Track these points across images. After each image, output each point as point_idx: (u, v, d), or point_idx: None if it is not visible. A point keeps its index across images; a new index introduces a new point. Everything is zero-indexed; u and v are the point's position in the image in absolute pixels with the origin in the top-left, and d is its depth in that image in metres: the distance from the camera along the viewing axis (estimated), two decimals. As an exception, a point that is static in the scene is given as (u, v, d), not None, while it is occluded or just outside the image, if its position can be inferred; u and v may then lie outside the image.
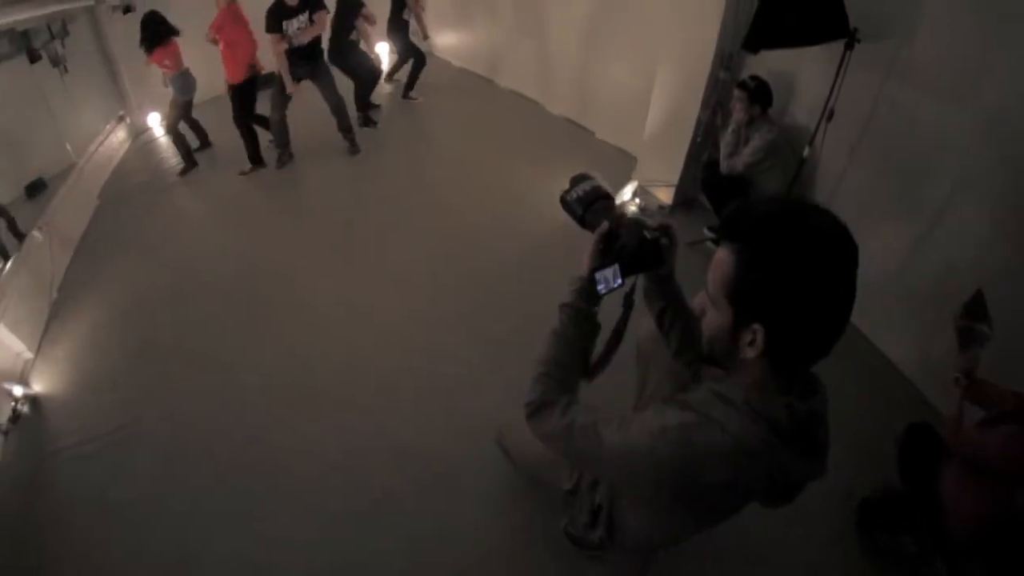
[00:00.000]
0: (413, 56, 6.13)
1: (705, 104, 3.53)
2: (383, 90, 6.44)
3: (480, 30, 6.70)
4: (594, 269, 1.23)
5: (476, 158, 5.09)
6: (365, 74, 5.51)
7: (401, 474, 2.40)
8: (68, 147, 4.83)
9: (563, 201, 1.37)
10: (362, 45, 5.40)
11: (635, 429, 1.05)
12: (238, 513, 2.32)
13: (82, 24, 5.46)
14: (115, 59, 5.77)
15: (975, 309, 1.83)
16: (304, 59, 4.63)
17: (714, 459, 0.97)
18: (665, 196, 4.03)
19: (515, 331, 2.85)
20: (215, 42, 4.58)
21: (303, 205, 4.68)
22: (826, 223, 0.91)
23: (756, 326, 0.93)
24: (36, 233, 3.76)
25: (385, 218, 4.26)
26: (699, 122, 3.60)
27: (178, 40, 4.78)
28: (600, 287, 1.23)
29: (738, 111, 3.22)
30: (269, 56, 4.69)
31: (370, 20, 5.36)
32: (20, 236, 3.77)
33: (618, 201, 4.05)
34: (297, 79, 4.68)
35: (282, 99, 4.78)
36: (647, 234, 1.24)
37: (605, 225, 1.24)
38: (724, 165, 3.36)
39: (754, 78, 3.16)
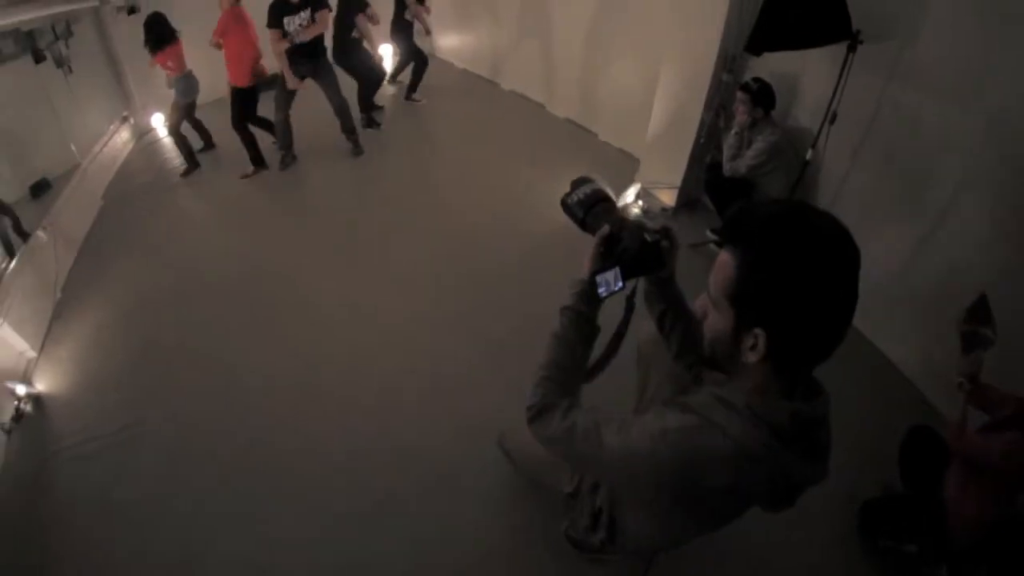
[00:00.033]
0: (416, 58, 6.13)
1: (708, 106, 3.53)
2: (386, 92, 6.45)
3: (483, 32, 6.70)
4: (595, 272, 1.22)
5: (479, 159, 5.09)
6: (368, 74, 5.51)
7: (403, 475, 2.40)
8: (72, 147, 4.85)
9: (564, 204, 1.37)
10: (365, 44, 5.39)
11: (636, 432, 1.05)
12: (241, 514, 2.33)
13: (86, 25, 5.47)
14: (119, 60, 5.78)
15: (978, 313, 1.82)
16: (306, 57, 4.61)
17: (715, 463, 0.97)
18: (668, 198, 4.03)
19: (516, 331, 2.86)
20: (219, 46, 4.57)
21: (306, 206, 4.68)
22: (828, 226, 0.90)
23: (758, 330, 0.93)
24: (40, 233, 3.77)
25: (388, 219, 4.26)
26: (702, 124, 3.60)
27: (182, 41, 4.79)
28: (601, 290, 1.22)
29: (741, 113, 3.22)
30: (272, 58, 4.71)
31: (374, 20, 5.34)
32: (24, 235, 3.79)
33: (621, 203, 4.07)
34: (300, 76, 4.67)
35: (286, 99, 4.78)
36: (648, 237, 1.24)
37: (606, 228, 1.24)
38: (727, 167, 3.36)
39: (757, 80, 3.15)
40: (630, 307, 1.35)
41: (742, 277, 0.94)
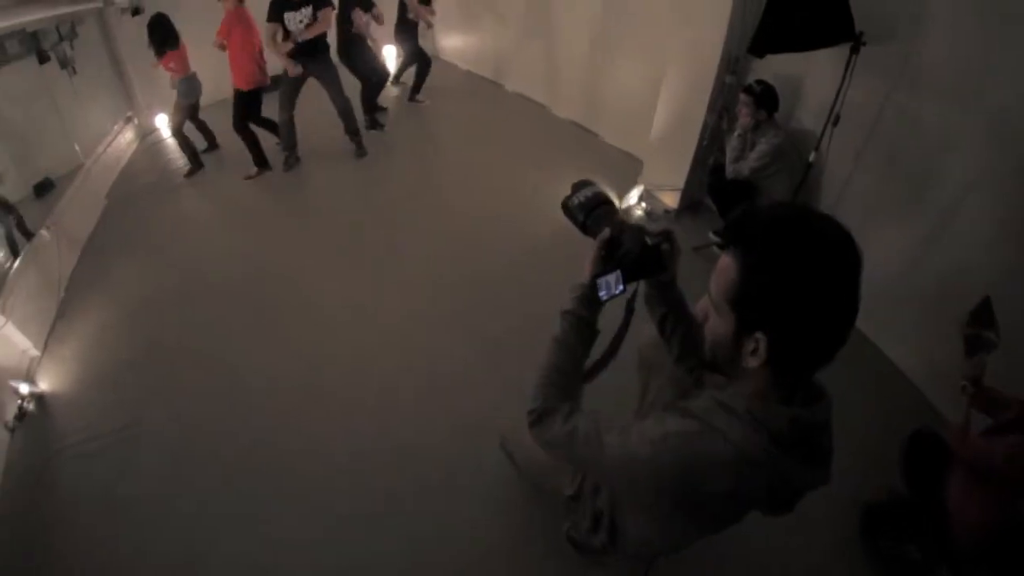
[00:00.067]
0: (419, 59, 6.14)
1: (711, 108, 3.53)
2: (390, 93, 6.46)
3: (487, 33, 6.71)
4: (596, 276, 1.22)
5: (482, 161, 5.10)
6: (371, 75, 5.51)
7: (403, 475, 2.41)
8: (76, 147, 4.86)
9: (565, 207, 1.37)
10: (369, 42, 5.38)
11: (636, 437, 1.05)
12: (244, 514, 2.33)
13: (91, 26, 5.49)
14: (123, 60, 5.81)
15: (982, 316, 1.82)
16: (308, 55, 4.59)
17: (715, 468, 0.97)
18: (671, 200, 4.03)
19: (516, 332, 2.87)
20: (223, 47, 4.58)
21: (310, 207, 4.69)
22: (830, 230, 0.90)
23: (759, 335, 0.93)
24: (44, 232, 3.79)
25: (391, 220, 4.27)
26: (705, 126, 3.60)
27: (186, 43, 4.80)
28: (602, 294, 1.22)
29: (744, 115, 3.21)
30: (273, 62, 4.73)
31: (379, 20, 5.34)
32: (28, 234, 3.80)
33: (624, 205, 4.08)
34: (302, 75, 4.69)
35: (290, 99, 4.79)
36: (649, 240, 1.24)
37: (607, 231, 1.24)
38: (730, 169, 3.36)
39: (760, 82, 3.15)
40: (630, 310, 1.35)
41: (743, 281, 0.94)
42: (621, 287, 1.22)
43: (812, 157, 2.99)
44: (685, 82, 3.67)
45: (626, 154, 4.89)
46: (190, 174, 5.19)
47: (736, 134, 3.32)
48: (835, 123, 2.82)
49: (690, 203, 4.04)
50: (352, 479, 2.42)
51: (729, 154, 3.36)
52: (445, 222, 4.20)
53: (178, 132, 5.13)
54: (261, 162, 5.05)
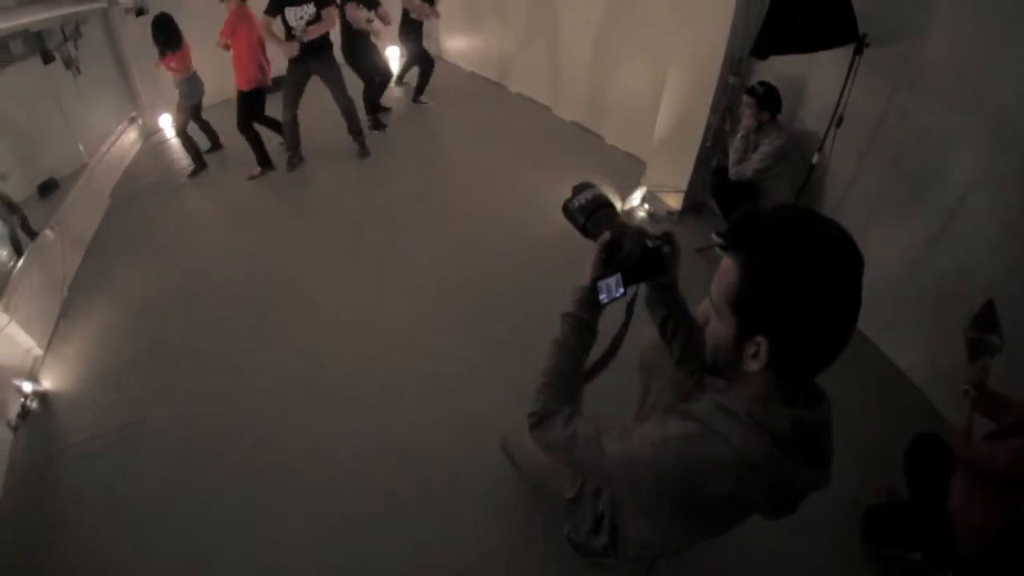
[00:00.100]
0: (422, 60, 6.14)
1: (714, 109, 3.53)
2: (393, 94, 6.46)
3: (490, 35, 6.71)
4: (596, 278, 1.22)
5: (485, 162, 5.10)
6: (373, 74, 5.51)
7: (406, 475, 2.41)
8: (80, 147, 4.86)
9: (565, 209, 1.37)
10: (373, 39, 5.36)
11: (637, 440, 1.05)
12: (248, 514, 2.33)
13: (95, 26, 5.49)
14: (127, 61, 5.81)
15: (985, 319, 1.81)
16: (311, 54, 4.58)
17: (717, 471, 0.97)
18: (674, 201, 4.03)
19: (518, 332, 2.88)
20: (227, 47, 4.59)
21: (313, 207, 4.69)
22: (831, 233, 0.90)
23: (760, 338, 0.92)
24: (48, 232, 3.80)
25: (394, 221, 4.27)
26: (708, 127, 3.60)
27: (189, 43, 4.81)
28: (602, 296, 1.22)
29: (747, 117, 3.21)
30: (277, 61, 4.73)
31: (385, 20, 5.34)
32: (32, 234, 3.81)
33: (627, 206, 4.08)
34: (304, 73, 4.69)
35: (293, 98, 4.79)
36: (649, 243, 1.24)
37: (607, 234, 1.24)
38: (733, 171, 3.35)
39: (763, 84, 3.15)
40: (629, 312, 1.35)
41: (744, 284, 0.93)
42: (622, 290, 1.22)
43: (815, 159, 2.99)
44: (688, 83, 3.67)
45: (629, 155, 4.89)
46: (194, 174, 5.19)
47: (739, 135, 3.32)
48: (838, 124, 2.82)
49: (693, 204, 4.04)
50: (354, 479, 2.42)
51: (732, 156, 3.36)
52: (448, 223, 4.20)
53: (182, 132, 5.13)
54: (264, 162, 5.05)
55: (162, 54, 4.67)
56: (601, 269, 1.24)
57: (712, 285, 1.01)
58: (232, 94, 4.81)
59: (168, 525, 2.32)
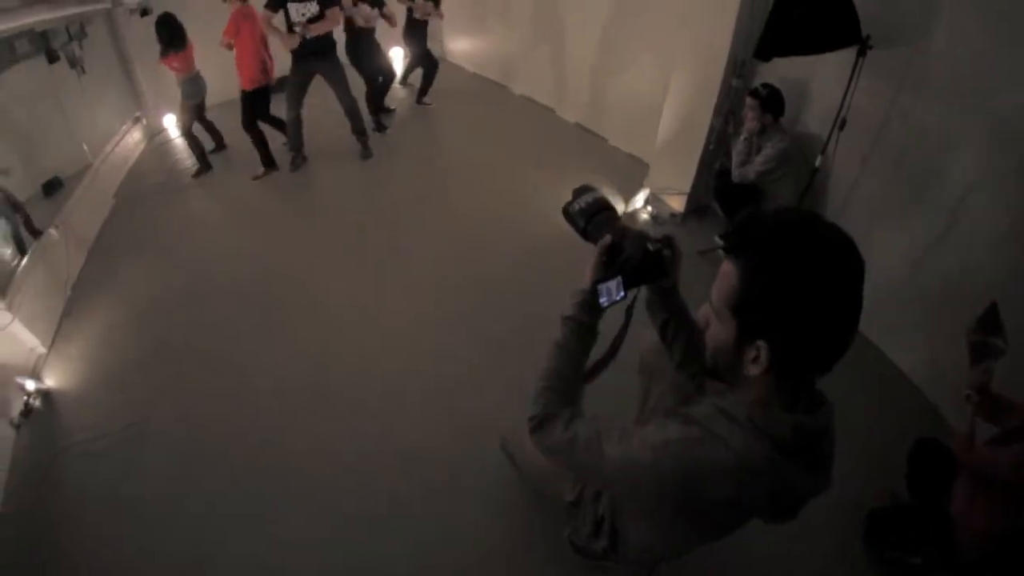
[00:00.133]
0: (426, 62, 6.14)
1: (717, 112, 3.53)
2: (397, 94, 6.48)
3: (494, 36, 6.73)
4: (596, 281, 1.22)
5: (488, 163, 5.11)
6: (376, 74, 5.52)
7: (407, 476, 2.41)
8: (84, 147, 4.88)
9: (566, 213, 1.37)
10: (376, 37, 5.37)
11: (637, 443, 1.05)
12: (251, 514, 2.33)
13: (99, 26, 5.52)
14: (131, 60, 5.84)
15: (988, 322, 1.80)
16: (314, 53, 4.58)
17: (717, 475, 0.96)
18: (677, 204, 4.02)
19: (519, 333, 2.87)
20: (230, 47, 4.60)
21: (316, 208, 4.70)
22: (832, 237, 0.89)
23: (760, 342, 0.92)
24: (52, 231, 3.81)
25: (397, 222, 4.28)
26: (711, 130, 3.60)
27: (192, 43, 4.83)
28: (602, 300, 1.22)
29: (750, 119, 3.21)
30: (281, 61, 4.73)
31: (391, 21, 5.35)
32: (36, 233, 3.82)
33: (630, 208, 4.07)
34: (307, 73, 4.70)
35: (297, 97, 4.80)
36: (650, 246, 1.24)
37: (608, 237, 1.24)
38: (736, 173, 3.35)
39: (766, 86, 3.15)
40: (628, 315, 1.35)
41: (745, 288, 0.93)
42: (622, 293, 1.22)
43: (818, 161, 2.99)
44: (691, 85, 3.67)
45: (632, 157, 4.89)
46: (198, 174, 5.20)
47: (742, 138, 3.32)
48: (841, 127, 2.82)
49: (696, 207, 4.03)
50: (357, 480, 2.42)
51: (735, 158, 3.36)
52: (450, 223, 4.21)
53: (187, 132, 5.14)
54: (268, 162, 5.07)
55: (164, 53, 4.68)
56: (601, 272, 1.24)
57: (712, 288, 1.01)
58: (236, 94, 4.81)
59: (171, 525, 2.32)
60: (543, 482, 1.91)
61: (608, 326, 1.32)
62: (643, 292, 1.41)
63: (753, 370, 0.95)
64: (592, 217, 1.32)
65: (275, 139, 5.09)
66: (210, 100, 5.23)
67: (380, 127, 5.69)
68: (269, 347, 3.17)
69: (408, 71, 6.66)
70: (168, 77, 5.06)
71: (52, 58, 4.60)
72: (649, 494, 1.05)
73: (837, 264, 0.88)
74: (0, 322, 2.91)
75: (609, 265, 1.24)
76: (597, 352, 1.35)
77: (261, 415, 2.77)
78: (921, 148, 2.63)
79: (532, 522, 2.16)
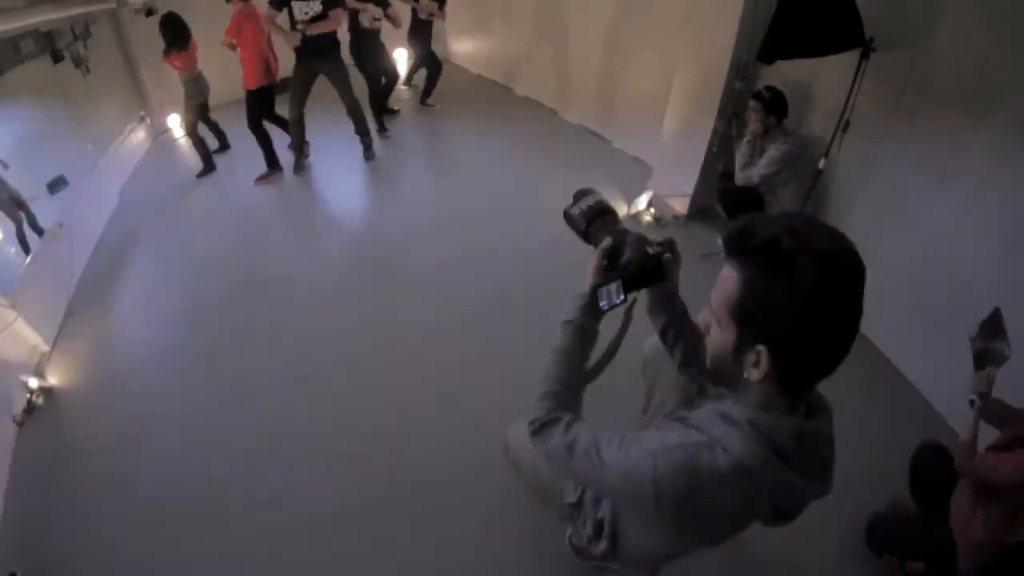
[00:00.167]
0: (430, 63, 6.16)
1: (721, 114, 3.52)
2: (401, 95, 6.49)
3: (498, 38, 6.75)
4: (596, 285, 1.22)
5: (492, 165, 5.12)
6: (379, 75, 5.53)
7: (408, 479, 2.41)
8: (89, 146, 4.89)
9: (566, 215, 1.37)
10: (381, 37, 5.38)
11: (636, 449, 1.04)
12: (251, 514, 2.33)
13: (104, 26, 5.55)
14: (136, 61, 5.87)
15: (992, 328, 1.79)
16: (317, 53, 4.59)
17: (715, 481, 0.95)
18: (680, 206, 4.02)
19: (525, 338, 2.85)
20: (233, 47, 4.61)
21: (319, 210, 4.71)
22: (831, 241, 0.89)
23: (760, 348, 0.91)
24: (57, 229, 3.82)
25: (399, 223, 4.28)
26: (714, 132, 3.59)
27: (196, 42, 4.85)
28: (603, 303, 1.22)
29: (753, 121, 3.21)
30: (285, 61, 4.75)
31: (395, 23, 5.36)
32: (40, 232, 3.83)
33: (633, 211, 4.07)
34: (311, 73, 4.71)
35: (300, 98, 4.81)
36: (650, 249, 1.23)
37: (608, 240, 1.24)
38: (739, 176, 3.35)
39: (769, 88, 3.15)
40: (627, 318, 1.35)
41: (744, 293, 0.92)
42: (622, 296, 1.21)
43: (822, 164, 2.98)
44: (695, 88, 3.67)
45: (636, 159, 4.89)
46: (202, 174, 5.22)
47: (745, 140, 3.32)
48: (845, 129, 2.82)
49: (699, 209, 4.03)
50: (356, 480, 2.42)
51: (738, 160, 3.36)
52: (452, 225, 4.21)
53: (192, 132, 5.16)
54: (272, 163, 5.08)
55: (167, 52, 4.70)
56: (601, 276, 1.24)
57: (712, 293, 1.01)
58: (241, 94, 4.83)
59: (169, 524, 2.32)
60: (544, 486, 1.91)
61: (608, 328, 1.32)
62: (644, 296, 1.40)
63: (753, 375, 0.94)
64: (592, 220, 1.32)
65: (280, 140, 5.09)
66: (214, 100, 5.25)
67: (383, 128, 5.70)
68: (269, 349, 3.18)
69: (412, 72, 6.67)
70: (172, 77, 5.09)
71: (57, 58, 4.62)
72: (647, 501, 1.04)
73: (836, 272, 0.87)
74: (4, 320, 2.92)
75: (609, 268, 1.24)
76: (595, 354, 1.35)
77: (261, 416, 2.77)
78: (926, 151, 2.62)
79: (533, 525, 2.15)
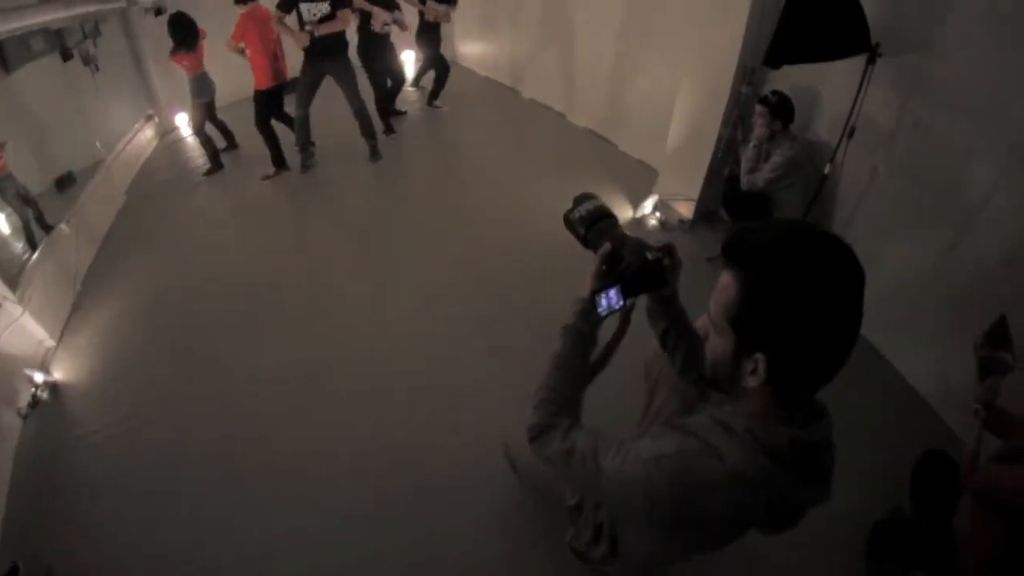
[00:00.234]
0: (438, 65, 6.17)
1: (726, 119, 3.51)
2: (408, 97, 6.51)
3: (505, 40, 6.76)
4: (595, 290, 1.22)
5: (497, 167, 5.12)
6: (386, 76, 5.55)
7: (407, 480, 2.41)
8: (97, 143, 4.92)
9: (566, 220, 1.37)
10: (392, 39, 5.40)
11: (632, 457, 1.04)
12: (252, 512, 2.33)
13: (114, 24, 5.59)
14: (145, 59, 5.91)
15: (997, 336, 1.78)
16: (325, 54, 4.60)
17: (712, 488, 0.95)
18: (686, 210, 4.01)
19: (528, 340, 2.86)
20: (240, 51, 4.63)
21: (324, 210, 4.71)
22: (830, 248, 0.88)
23: (758, 355, 0.91)
24: (63, 226, 3.85)
25: (404, 225, 4.28)
26: (720, 137, 3.58)
27: (203, 44, 4.88)
28: (601, 309, 1.22)
29: (759, 126, 3.20)
30: (292, 61, 4.76)
31: (402, 25, 5.38)
32: (47, 228, 3.85)
33: (639, 214, 4.07)
34: (318, 73, 4.73)
35: (306, 97, 4.82)
36: (649, 255, 1.23)
37: (607, 246, 1.24)
38: (744, 181, 3.34)
39: (776, 93, 3.14)
40: (626, 321, 1.35)
41: (743, 301, 0.92)
42: (621, 302, 1.22)
43: (827, 169, 2.97)
44: (701, 92, 3.66)
45: (642, 163, 4.88)
46: (209, 173, 5.25)
47: (751, 145, 3.31)
48: (850, 135, 2.81)
49: (705, 213, 4.02)
50: (355, 480, 2.42)
51: (744, 165, 3.35)
52: (457, 227, 4.21)
53: (200, 131, 5.19)
54: (279, 162, 5.10)
55: (175, 51, 4.73)
56: (600, 280, 1.23)
57: (711, 300, 1.00)
58: (249, 93, 4.85)
59: (167, 517, 2.34)
60: (544, 488, 1.91)
61: (606, 331, 1.32)
62: (643, 300, 1.40)
63: (751, 382, 0.94)
64: (592, 225, 1.31)
65: (287, 140, 5.11)
66: (222, 100, 5.26)
67: (389, 129, 5.71)
68: (275, 345, 3.19)
69: (420, 74, 6.68)
70: (181, 76, 5.11)
71: (66, 56, 4.66)
72: (644, 508, 1.03)
73: (836, 276, 0.87)
74: (10, 315, 2.94)
75: (608, 273, 1.24)
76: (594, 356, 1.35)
77: (264, 412, 2.78)
78: (932, 157, 2.60)
79: (533, 527, 2.15)
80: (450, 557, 2.13)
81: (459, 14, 6.13)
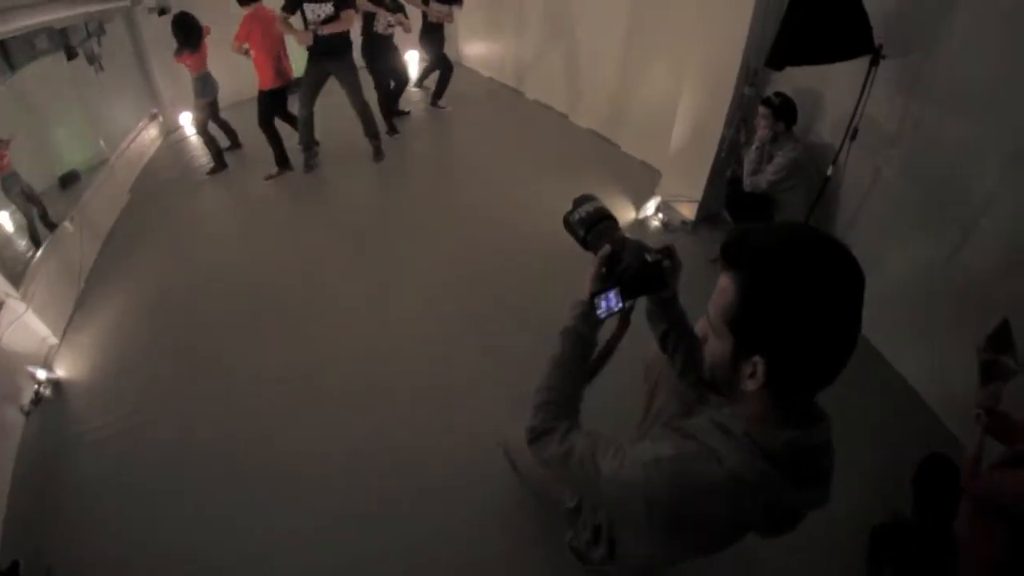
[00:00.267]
0: (442, 65, 6.17)
1: (729, 120, 3.51)
2: (412, 97, 6.51)
3: (509, 41, 6.76)
4: (595, 292, 1.22)
5: (500, 168, 5.12)
6: (388, 77, 5.55)
7: (407, 480, 2.41)
8: (101, 142, 4.93)
9: (566, 222, 1.37)
10: (395, 41, 5.40)
11: (630, 460, 1.04)
12: (250, 510, 2.34)
13: (118, 23, 5.61)
14: (149, 58, 5.92)
15: (1000, 340, 1.76)
16: (329, 54, 4.60)
17: (710, 491, 0.95)
18: (688, 212, 4.01)
19: (528, 340, 2.85)
20: (246, 53, 4.64)
21: (327, 209, 4.72)
22: (830, 251, 0.88)
23: (757, 358, 0.91)
24: (67, 224, 3.86)
25: (407, 225, 4.28)
26: (723, 138, 3.58)
27: (207, 43, 4.89)
28: (600, 311, 1.22)
29: (762, 128, 3.19)
30: (297, 61, 4.77)
31: (405, 27, 5.39)
32: (51, 226, 3.86)
33: (641, 215, 4.07)
34: (321, 74, 4.73)
35: (310, 97, 4.83)
36: (649, 257, 1.23)
37: (607, 247, 1.24)
38: (747, 182, 3.33)
39: (779, 95, 3.13)
40: (625, 323, 1.35)
41: (741, 304, 0.92)
42: (620, 304, 1.22)
43: (830, 171, 2.96)
44: (704, 93, 3.66)
45: (645, 164, 4.88)
46: (213, 172, 5.26)
47: (754, 147, 3.30)
48: (853, 137, 2.80)
49: (707, 215, 4.02)
50: (353, 479, 2.42)
51: (746, 167, 3.34)
52: (459, 227, 4.21)
53: (203, 131, 5.20)
54: (282, 162, 5.10)
55: (179, 52, 4.74)
56: (600, 282, 1.23)
57: (710, 303, 1.00)
58: (252, 93, 4.86)
59: (168, 515, 2.35)
60: (544, 488, 1.91)
61: (606, 331, 1.32)
62: (643, 302, 1.40)
63: (750, 385, 0.94)
64: (592, 227, 1.31)
65: (290, 140, 5.12)
66: (225, 99, 5.27)
67: (392, 130, 5.71)
68: (274, 344, 3.20)
69: (424, 74, 6.70)
70: (185, 75, 5.12)
71: (71, 55, 4.67)
72: (642, 511, 1.03)
73: (835, 280, 0.86)
74: (14, 312, 2.95)
75: (608, 275, 1.24)
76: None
77: (264, 411, 2.78)
78: (935, 159, 2.59)
79: (533, 527, 2.16)
80: (450, 558, 2.13)
81: (463, 15, 6.13)
